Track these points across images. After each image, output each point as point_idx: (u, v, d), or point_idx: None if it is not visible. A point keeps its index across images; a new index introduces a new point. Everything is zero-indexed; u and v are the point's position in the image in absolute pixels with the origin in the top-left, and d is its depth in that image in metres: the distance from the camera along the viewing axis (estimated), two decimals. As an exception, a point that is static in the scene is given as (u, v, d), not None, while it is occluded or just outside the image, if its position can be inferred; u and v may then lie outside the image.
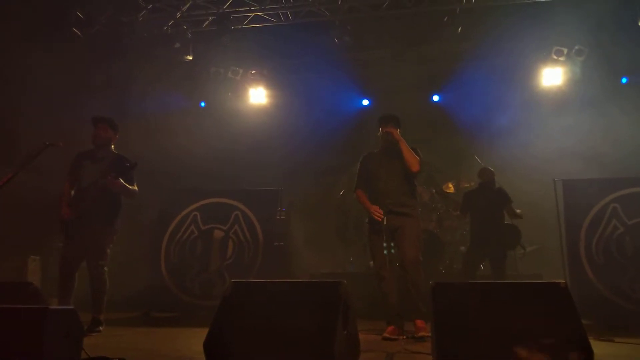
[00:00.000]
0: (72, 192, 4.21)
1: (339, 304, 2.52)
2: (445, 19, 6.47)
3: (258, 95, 7.86)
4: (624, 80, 6.83)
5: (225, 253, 5.70)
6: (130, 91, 7.25)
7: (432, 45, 7.33)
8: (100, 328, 4.08)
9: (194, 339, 3.26)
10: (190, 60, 7.02)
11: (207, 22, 6.97)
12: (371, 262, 6.29)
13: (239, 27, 6.88)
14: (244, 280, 2.88)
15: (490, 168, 5.60)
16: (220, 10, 6.69)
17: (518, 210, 5.36)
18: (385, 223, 3.96)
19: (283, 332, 2.48)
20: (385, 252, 3.97)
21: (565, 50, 6.73)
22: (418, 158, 4.06)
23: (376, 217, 3.96)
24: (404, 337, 3.87)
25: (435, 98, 7.99)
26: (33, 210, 4.53)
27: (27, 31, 5.39)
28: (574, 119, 6.79)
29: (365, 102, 8.24)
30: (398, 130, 4.15)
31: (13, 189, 3.61)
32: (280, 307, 2.61)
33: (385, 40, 7.26)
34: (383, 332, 3.92)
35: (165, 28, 6.95)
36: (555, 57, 6.81)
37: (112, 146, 4.35)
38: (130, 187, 4.15)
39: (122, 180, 4.03)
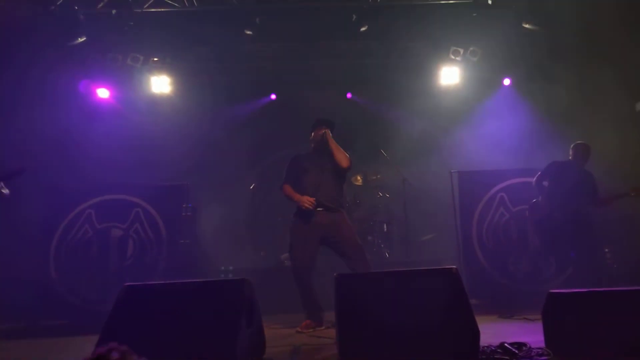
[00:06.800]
0: None
1: (242, 302, 2.47)
2: (353, 18, 6.55)
3: (161, 84, 7.40)
4: (506, 81, 7.46)
5: (124, 253, 5.33)
6: (12, 78, 6.42)
7: (341, 41, 7.41)
8: None
9: (88, 349, 2.98)
10: (84, 43, 6.40)
11: (102, 4, 6.40)
12: (282, 256, 6.31)
13: (139, 10, 6.41)
14: (139, 283, 2.70)
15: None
16: (117, -9, 6.19)
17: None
18: (315, 216, 4.03)
19: (183, 334, 2.36)
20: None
21: (461, 51, 7.15)
22: (348, 155, 4.25)
23: (306, 206, 4.00)
24: (313, 329, 3.92)
25: (349, 95, 8.13)
26: None
27: None
28: (470, 115, 7.33)
29: (273, 96, 8.14)
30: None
31: None
32: (180, 309, 2.49)
33: (294, 34, 7.20)
34: (296, 326, 3.98)
35: (53, 7, 6.26)
36: (452, 57, 7.22)
37: None
38: None
39: None
